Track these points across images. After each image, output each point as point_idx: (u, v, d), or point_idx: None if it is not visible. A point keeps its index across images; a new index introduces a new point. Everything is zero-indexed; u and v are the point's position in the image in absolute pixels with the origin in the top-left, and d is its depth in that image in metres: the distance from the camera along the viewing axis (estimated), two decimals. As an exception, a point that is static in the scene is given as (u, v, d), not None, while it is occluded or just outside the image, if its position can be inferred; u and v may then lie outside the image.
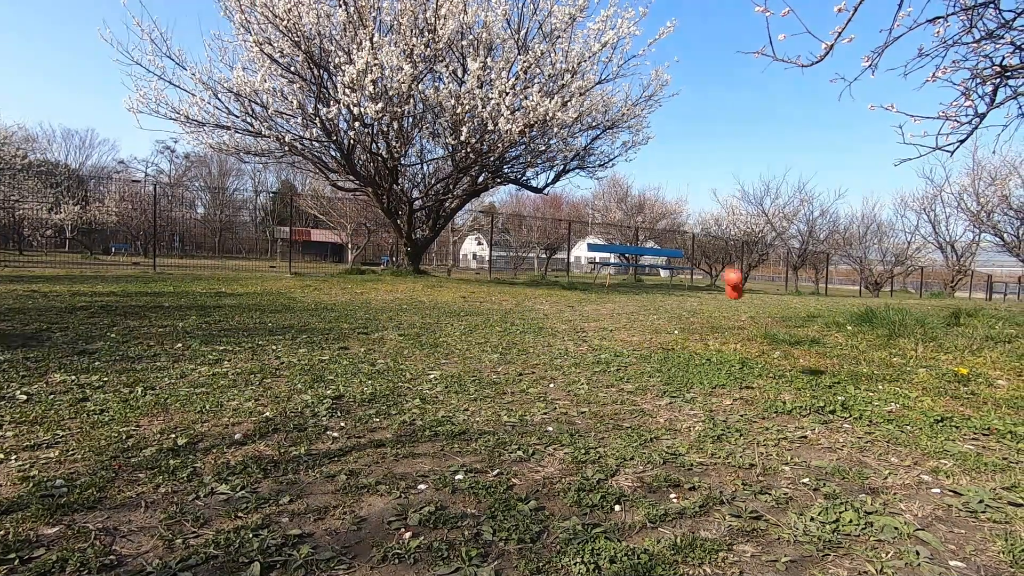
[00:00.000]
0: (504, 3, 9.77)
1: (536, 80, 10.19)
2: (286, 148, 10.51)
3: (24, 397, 2.05)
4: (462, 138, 9.56)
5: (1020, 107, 3.98)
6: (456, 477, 1.47)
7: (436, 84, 10.31)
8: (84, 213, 28.09)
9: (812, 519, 1.29)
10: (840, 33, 3.80)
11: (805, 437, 1.93)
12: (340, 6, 9.20)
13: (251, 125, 10.05)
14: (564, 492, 1.40)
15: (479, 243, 41.22)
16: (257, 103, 9.91)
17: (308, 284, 8.54)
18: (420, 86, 9.89)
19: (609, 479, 1.49)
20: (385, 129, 10.37)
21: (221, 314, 4.59)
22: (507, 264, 30.90)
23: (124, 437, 1.68)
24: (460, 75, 10.30)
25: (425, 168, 13.12)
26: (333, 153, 11.11)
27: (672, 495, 1.41)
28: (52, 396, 2.08)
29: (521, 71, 10.01)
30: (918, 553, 1.16)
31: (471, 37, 10.02)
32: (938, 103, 4.40)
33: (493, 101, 9.26)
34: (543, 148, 11.47)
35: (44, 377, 2.35)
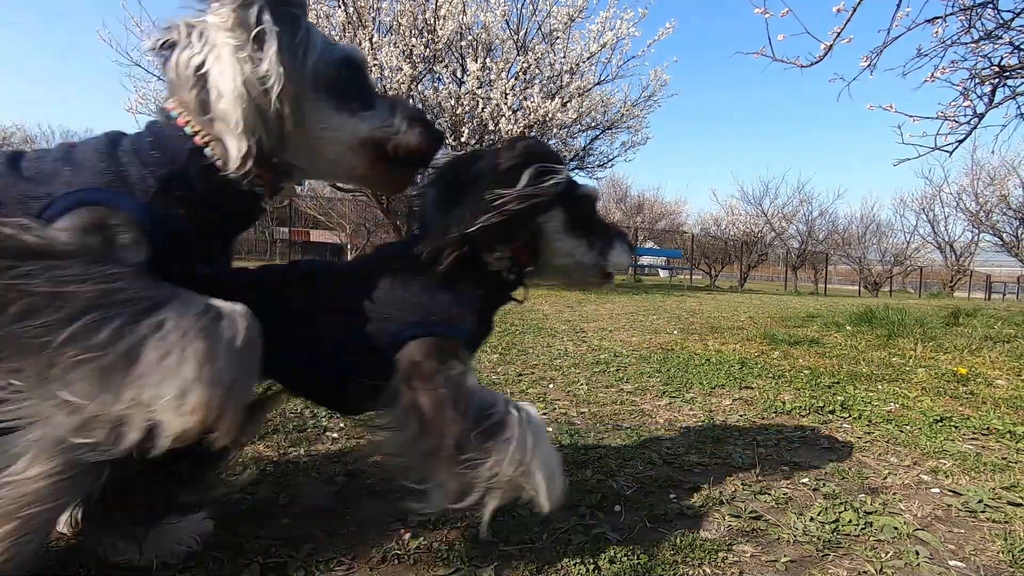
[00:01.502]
0: (503, 4, 9.79)
1: (536, 80, 10.21)
2: (285, 149, 10.49)
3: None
4: (462, 139, 9.57)
5: (1019, 107, 3.99)
6: (456, 477, 1.47)
7: (435, 85, 10.32)
8: (83, 214, 27.99)
9: (812, 519, 1.29)
10: (839, 33, 3.82)
11: (805, 437, 1.93)
12: (339, 7, 9.21)
13: (250, 126, 10.02)
14: (564, 492, 1.39)
15: (478, 244, 41.09)
16: (256, 104, 9.89)
17: (307, 285, 8.53)
18: (419, 87, 9.90)
19: (609, 479, 1.49)
20: (384, 130, 10.36)
21: None
22: (506, 264, 30.78)
23: (123, 438, 1.67)
24: (459, 76, 10.31)
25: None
26: (332, 154, 11.09)
27: (672, 495, 1.41)
28: (51, 397, 2.07)
29: (520, 71, 10.02)
30: (918, 553, 1.16)
31: (470, 38, 10.03)
32: (937, 103, 4.41)
33: (494, 101, 9.27)
34: (542, 148, 11.46)
35: (43, 378, 2.35)
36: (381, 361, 1.01)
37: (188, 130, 0.91)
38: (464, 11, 9.39)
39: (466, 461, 0.94)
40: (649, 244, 26.39)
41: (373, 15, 9.55)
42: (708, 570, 1.08)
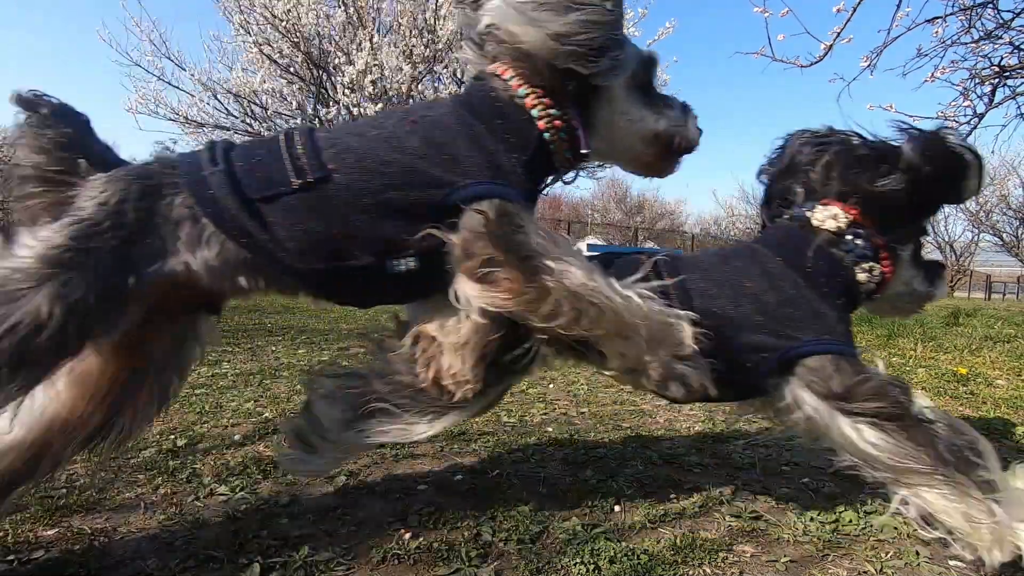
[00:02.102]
0: (503, 4, 9.78)
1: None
2: (285, 149, 10.49)
3: (23, 398, 2.05)
4: (461, 139, 9.55)
5: (1019, 107, 3.99)
6: (456, 478, 1.47)
7: (436, 85, 10.32)
8: (83, 214, 28.02)
9: (812, 519, 1.29)
10: (839, 33, 3.81)
11: (805, 437, 1.93)
12: (339, 7, 9.22)
13: (250, 126, 10.06)
14: (564, 493, 1.40)
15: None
16: (256, 104, 9.92)
17: (307, 285, 8.52)
18: (420, 87, 9.90)
19: (609, 479, 1.49)
20: (384, 130, 10.38)
21: (220, 315, 4.58)
22: (507, 265, 30.74)
23: (123, 438, 1.67)
24: (460, 76, 10.31)
25: (424, 169, 13.10)
26: (332, 154, 11.10)
27: (672, 495, 1.41)
28: (51, 397, 2.07)
29: (520, 72, 10.01)
30: (918, 553, 1.16)
31: (470, 38, 10.02)
32: (937, 103, 4.40)
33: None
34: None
35: (43, 378, 2.34)
36: (761, 367, 1.07)
37: (535, 112, 1.00)
38: (464, 11, 9.38)
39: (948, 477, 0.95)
40: (649, 244, 26.39)
41: (373, 15, 9.56)
42: (708, 570, 1.08)
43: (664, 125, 1.08)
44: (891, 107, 4.10)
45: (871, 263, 1.12)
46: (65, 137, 0.88)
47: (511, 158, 0.96)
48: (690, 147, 1.12)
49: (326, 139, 0.96)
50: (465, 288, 0.91)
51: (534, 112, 0.99)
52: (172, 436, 1.70)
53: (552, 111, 1.00)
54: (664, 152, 1.11)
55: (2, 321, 0.76)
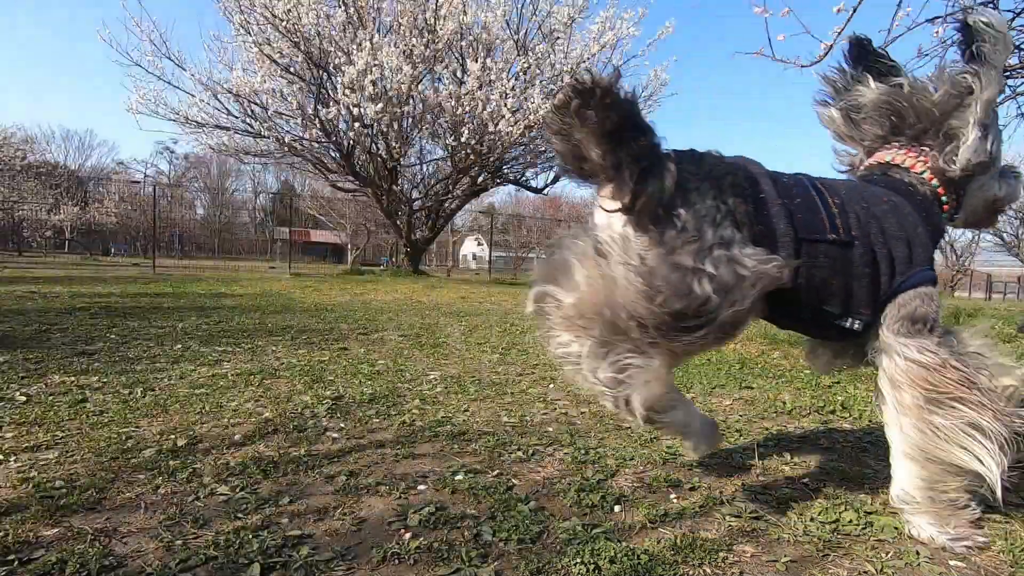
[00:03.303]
0: (503, 4, 9.79)
1: (537, 80, 10.20)
2: (285, 149, 10.51)
3: (23, 398, 2.05)
4: (462, 139, 9.56)
5: (1019, 107, 3.98)
6: (456, 478, 1.47)
7: (436, 85, 10.32)
8: (84, 214, 28.09)
9: (812, 519, 1.29)
10: (840, 33, 3.80)
11: (805, 437, 1.93)
12: (339, 7, 9.22)
13: (250, 126, 10.06)
14: (564, 492, 1.40)
15: (479, 244, 41.12)
16: (257, 104, 9.93)
17: (307, 285, 8.55)
18: (420, 87, 9.90)
19: (609, 479, 1.49)
20: (385, 130, 10.37)
21: (220, 315, 4.59)
22: (507, 265, 30.85)
23: (123, 438, 1.67)
24: (460, 76, 10.31)
25: (425, 169, 13.14)
26: (333, 154, 11.11)
27: (672, 495, 1.41)
28: (51, 397, 2.08)
29: (521, 72, 10.03)
30: (918, 553, 1.16)
31: (470, 38, 10.03)
32: (937, 103, 4.38)
33: (494, 102, 9.27)
34: (543, 148, 11.48)
35: (43, 378, 2.35)
36: None
37: (944, 199, 1.23)
38: (464, 11, 9.39)
39: None
40: (649, 244, 26.27)
41: (373, 15, 9.56)
42: (708, 570, 1.08)
43: (1004, 192, 1.27)
44: (891, 107, 4.09)
45: None
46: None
47: (930, 246, 1.18)
48: (1012, 203, 1.32)
49: (846, 202, 1.15)
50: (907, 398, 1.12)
51: (943, 199, 1.22)
52: (172, 436, 1.70)
53: (953, 196, 1.22)
54: (994, 214, 1.32)
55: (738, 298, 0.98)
